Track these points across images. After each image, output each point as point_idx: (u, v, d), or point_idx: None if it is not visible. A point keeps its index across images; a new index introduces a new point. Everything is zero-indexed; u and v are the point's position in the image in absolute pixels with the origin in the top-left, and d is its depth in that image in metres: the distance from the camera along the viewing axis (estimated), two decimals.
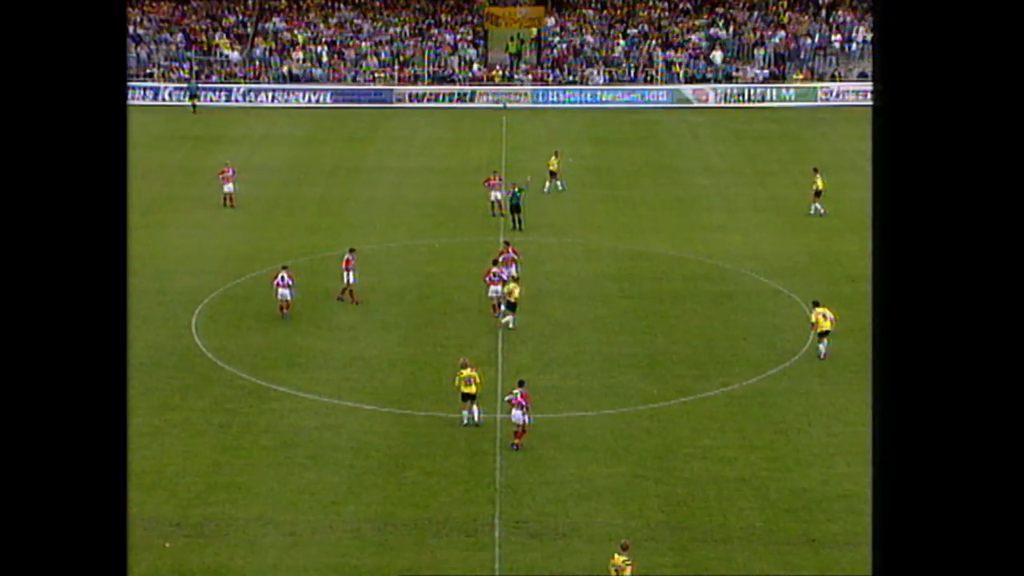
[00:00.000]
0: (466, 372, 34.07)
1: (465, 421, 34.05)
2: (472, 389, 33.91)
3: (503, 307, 41.19)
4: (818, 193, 53.80)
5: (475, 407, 34.00)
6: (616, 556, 26.59)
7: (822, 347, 38.79)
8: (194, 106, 76.32)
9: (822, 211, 53.61)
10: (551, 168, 57.77)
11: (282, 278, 41.85)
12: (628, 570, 26.39)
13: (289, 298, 41.87)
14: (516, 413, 32.77)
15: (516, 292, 41.05)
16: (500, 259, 43.32)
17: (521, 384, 33.54)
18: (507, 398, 33.44)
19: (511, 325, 40.93)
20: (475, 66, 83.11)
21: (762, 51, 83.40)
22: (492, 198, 53.62)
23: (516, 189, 51.75)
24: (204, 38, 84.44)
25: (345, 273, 42.99)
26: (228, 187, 55.09)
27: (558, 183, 57.50)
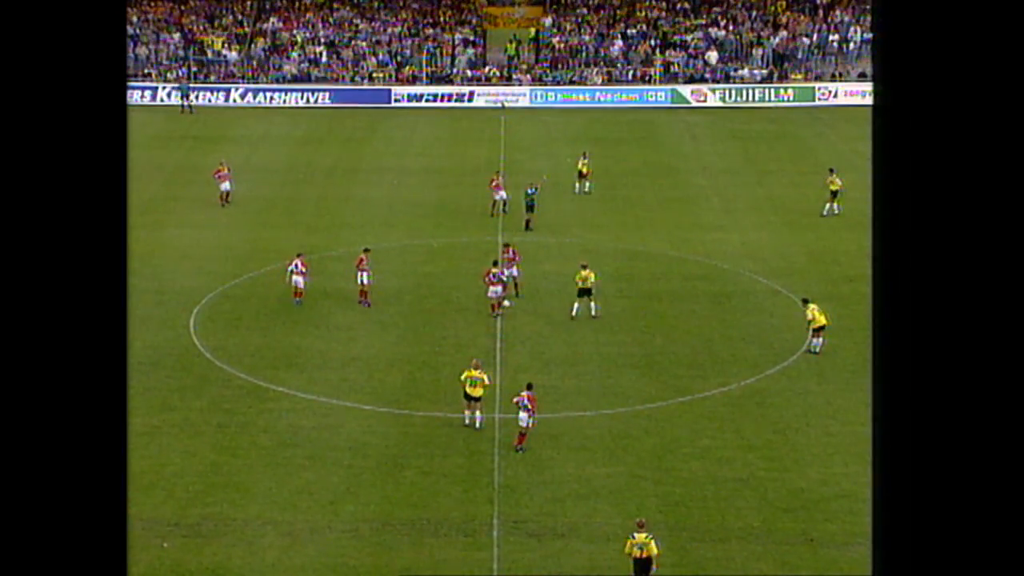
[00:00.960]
0: (475, 373, 34.00)
1: (467, 421, 34.02)
2: (478, 392, 33.85)
3: (576, 295, 41.98)
4: (834, 193, 53.85)
5: (479, 412, 33.96)
6: (636, 535, 26.85)
7: (817, 342, 39.05)
8: (184, 106, 76.08)
9: (836, 211, 53.61)
10: (580, 169, 57.86)
11: (296, 266, 42.37)
12: (652, 545, 26.61)
13: (301, 285, 42.37)
14: (522, 415, 32.78)
15: (591, 278, 41.65)
16: (501, 260, 43.42)
17: (530, 387, 33.48)
18: (515, 399, 33.39)
19: (594, 313, 41.62)
20: (473, 66, 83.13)
21: (760, 51, 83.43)
22: (497, 198, 53.54)
23: (531, 189, 51.76)
24: (202, 38, 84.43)
25: (359, 274, 42.97)
26: (224, 185, 55.26)
27: (586, 184, 57.59)
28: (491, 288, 41.88)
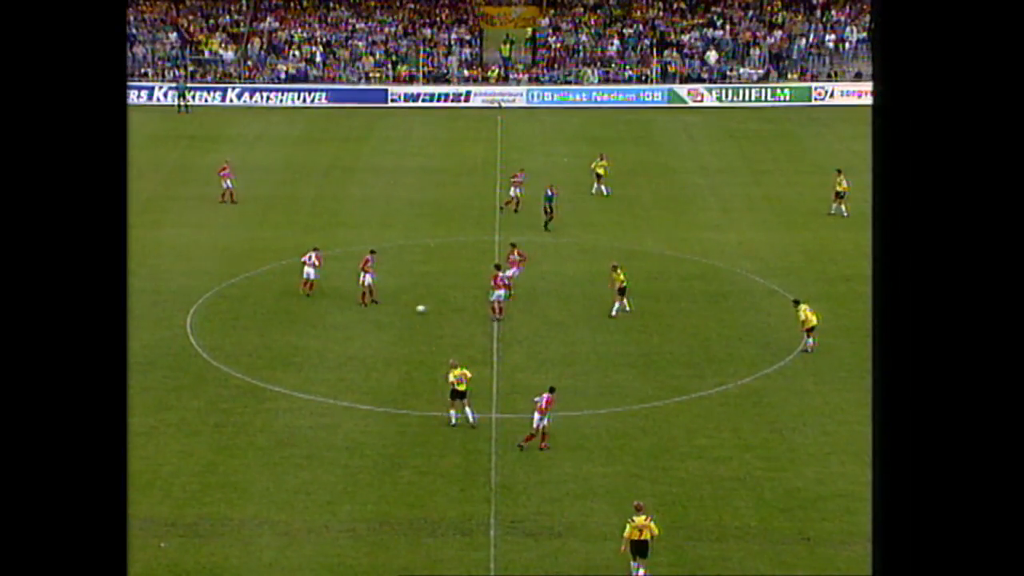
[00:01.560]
0: (457, 371, 34.05)
1: (453, 421, 33.95)
2: (463, 387, 33.88)
3: (615, 293, 42.23)
4: (839, 195, 53.71)
5: (468, 408, 33.91)
6: (636, 518, 27.12)
7: (810, 341, 39.14)
8: (180, 106, 75.98)
9: (845, 212, 53.19)
10: (597, 171, 57.79)
11: (309, 257, 42.80)
12: (652, 525, 27.03)
13: (313, 278, 42.98)
14: (537, 417, 32.74)
15: (622, 277, 41.96)
16: (507, 262, 43.28)
17: (552, 391, 33.27)
18: (535, 399, 33.28)
19: (626, 308, 41.88)
20: (470, 66, 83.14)
21: (757, 51, 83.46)
22: (512, 194, 53.76)
23: (550, 192, 51.73)
24: (199, 38, 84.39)
25: (362, 275, 42.93)
26: (227, 183, 55.47)
27: (603, 187, 57.45)
28: (496, 291, 41.67)
